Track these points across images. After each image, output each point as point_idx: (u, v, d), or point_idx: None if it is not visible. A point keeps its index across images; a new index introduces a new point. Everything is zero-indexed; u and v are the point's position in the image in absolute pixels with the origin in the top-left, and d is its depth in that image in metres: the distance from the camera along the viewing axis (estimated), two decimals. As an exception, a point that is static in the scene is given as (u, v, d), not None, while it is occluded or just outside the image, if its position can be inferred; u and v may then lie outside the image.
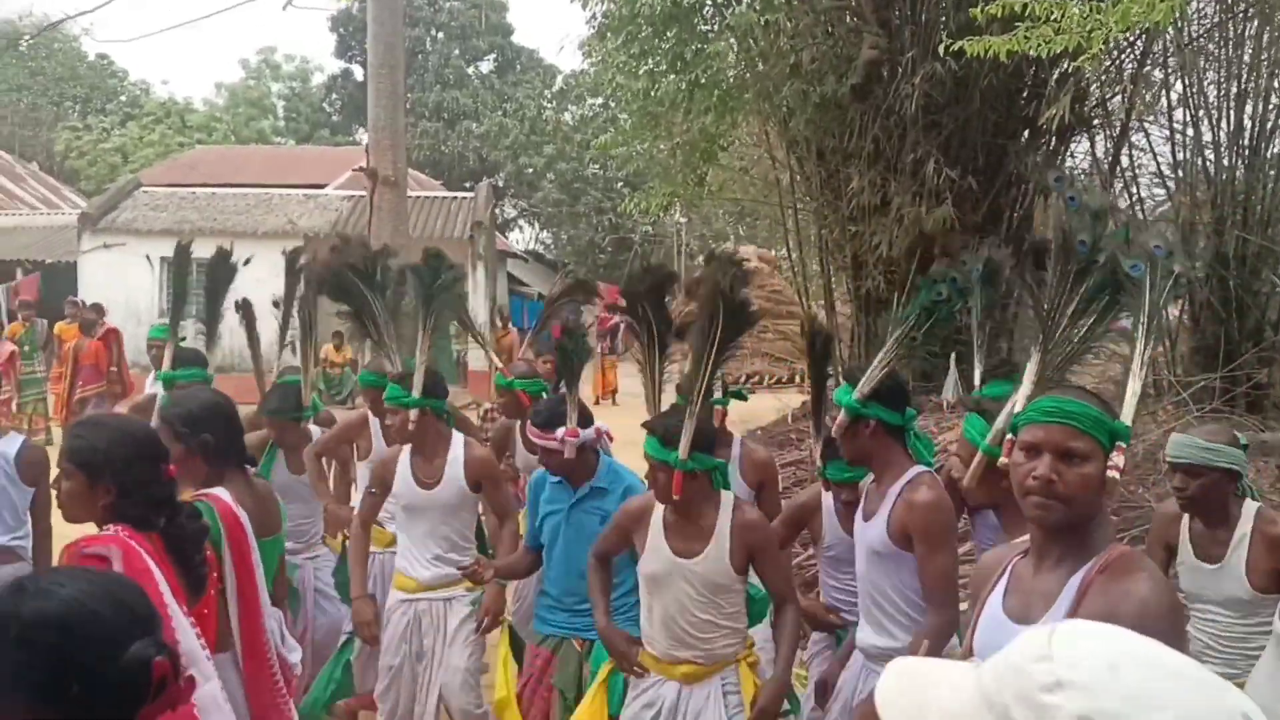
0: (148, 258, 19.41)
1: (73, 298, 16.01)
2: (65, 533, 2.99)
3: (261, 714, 3.09)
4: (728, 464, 4.03)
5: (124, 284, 19.17)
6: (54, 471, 2.91)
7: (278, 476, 4.92)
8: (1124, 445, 2.07)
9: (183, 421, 3.37)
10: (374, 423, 5.28)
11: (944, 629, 3.11)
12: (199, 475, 3.33)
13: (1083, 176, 12.39)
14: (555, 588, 4.19)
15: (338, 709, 4.76)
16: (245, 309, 5.53)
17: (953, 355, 4.52)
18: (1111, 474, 2.06)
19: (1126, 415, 2.17)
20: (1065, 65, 9.03)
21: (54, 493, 2.86)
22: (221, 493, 3.24)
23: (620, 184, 31.28)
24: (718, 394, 4.34)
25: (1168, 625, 1.85)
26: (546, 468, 4.18)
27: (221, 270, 5.68)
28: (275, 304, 5.56)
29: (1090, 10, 5.22)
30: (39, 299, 17.21)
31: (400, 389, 4.40)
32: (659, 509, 3.56)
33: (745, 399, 4.91)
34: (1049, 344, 2.74)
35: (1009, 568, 2.16)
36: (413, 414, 4.37)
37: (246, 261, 5.70)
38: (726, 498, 3.59)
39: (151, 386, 6.96)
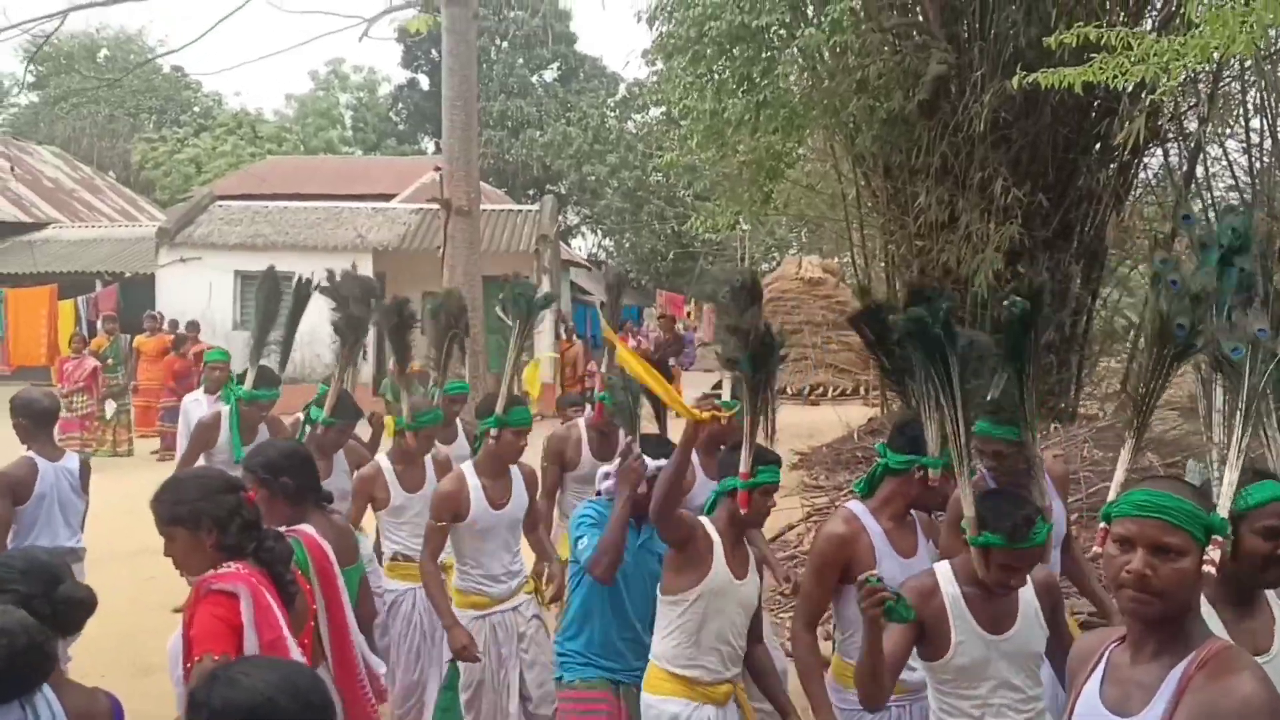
0: (233, 273, 19.88)
1: (151, 311, 16.44)
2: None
3: (353, 717, 3.40)
4: None
5: (200, 297, 19.62)
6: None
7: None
8: (1220, 539, 2.06)
9: (264, 468, 3.70)
10: (389, 471, 5.37)
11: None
12: (283, 515, 3.62)
13: (1157, 189, 12.23)
14: (619, 630, 4.03)
15: None
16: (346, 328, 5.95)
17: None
18: (1208, 568, 2.07)
19: (1223, 507, 2.14)
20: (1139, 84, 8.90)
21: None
22: (306, 528, 3.57)
23: (684, 193, 31.31)
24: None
25: None
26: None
27: (302, 294, 6.15)
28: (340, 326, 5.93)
29: (1168, 42, 5.16)
30: (118, 311, 17.70)
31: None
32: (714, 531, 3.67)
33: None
34: (1142, 429, 2.67)
35: (1105, 655, 2.17)
36: (493, 433, 4.66)
37: (316, 285, 5.98)
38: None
39: (213, 405, 7.28)
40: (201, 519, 2.96)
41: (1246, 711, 1.87)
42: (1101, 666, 2.17)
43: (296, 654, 2.91)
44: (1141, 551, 2.02)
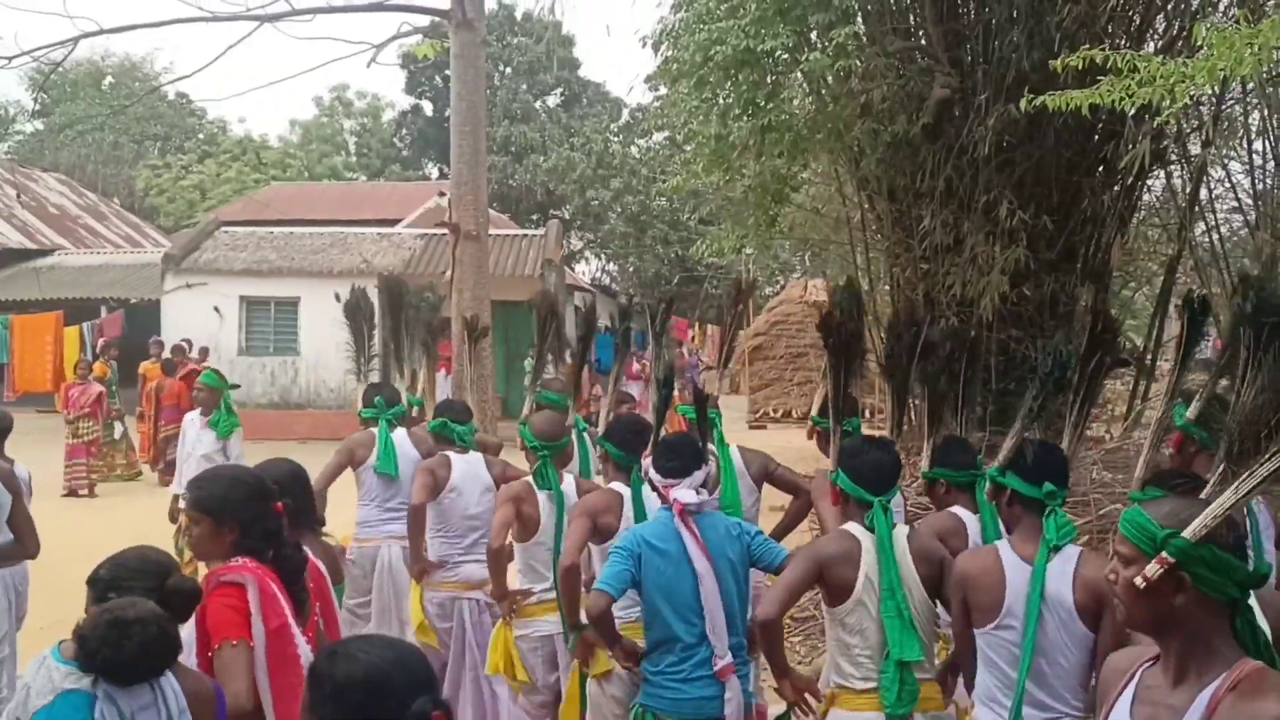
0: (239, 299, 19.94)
1: (157, 337, 16.49)
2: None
3: None
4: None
5: (206, 322, 19.66)
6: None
7: None
8: (1166, 556, 2.04)
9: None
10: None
11: None
12: None
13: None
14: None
15: None
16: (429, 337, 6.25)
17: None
18: (1137, 580, 2.07)
19: (1201, 521, 2.09)
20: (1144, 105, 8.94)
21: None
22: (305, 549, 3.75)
23: (688, 218, 31.37)
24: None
25: None
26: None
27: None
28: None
29: (1175, 65, 5.18)
30: (122, 337, 17.75)
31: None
32: (869, 544, 3.58)
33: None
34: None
35: (1137, 675, 2.17)
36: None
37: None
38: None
39: (204, 428, 7.82)
40: (225, 515, 3.18)
41: None
42: (1133, 686, 2.16)
43: (301, 641, 3.13)
44: (1115, 559, 2.14)
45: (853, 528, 3.63)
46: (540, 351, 6.03)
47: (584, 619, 4.18)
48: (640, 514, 4.38)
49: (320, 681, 1.94)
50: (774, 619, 3.55)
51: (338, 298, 6.74)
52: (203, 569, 3.36)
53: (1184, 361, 4.22)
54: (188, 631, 3.05)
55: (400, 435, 6.19)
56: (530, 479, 4.98)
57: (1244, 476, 2.07)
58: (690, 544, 3.84)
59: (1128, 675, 2.19)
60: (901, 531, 3.67)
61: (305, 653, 3.15)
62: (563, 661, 4.87)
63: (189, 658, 3.03)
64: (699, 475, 3.97)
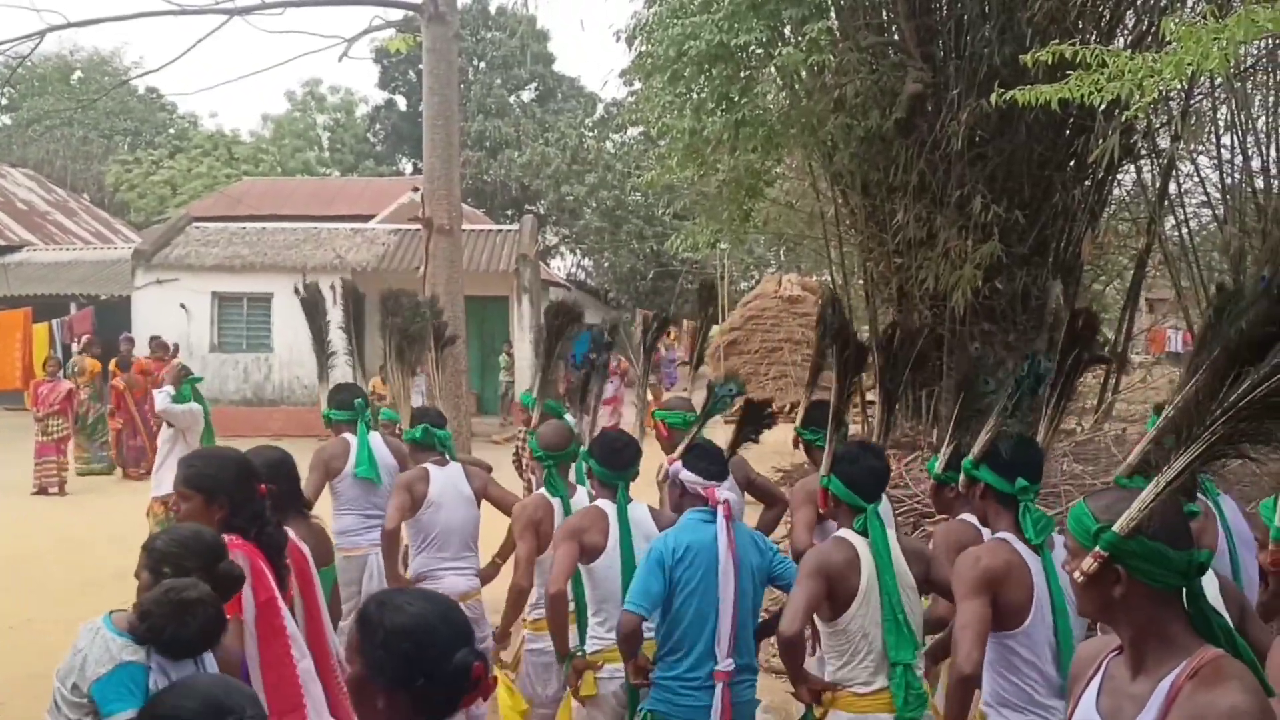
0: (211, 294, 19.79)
1: (127, 334, 16.32)
2: None
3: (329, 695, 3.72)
4: None
5: (177, 319, 19.50)
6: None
7: None
8: (1100, 550, 2.07)
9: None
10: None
11: (956, 683, 3.21)
12: None
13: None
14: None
15: None
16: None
17: None
18: (1076, 575, 2.12)
19: (1129, 514, 2.11)
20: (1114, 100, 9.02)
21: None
22: (288, 530, 3.82)
23: (662, 212, 31.37)
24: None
25: None
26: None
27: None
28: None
29: (1143, 59, 5.23)
30: (93, 333, 17.57)
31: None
32: (864, 549, 3.61)
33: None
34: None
35: (1104, 665, 2.19)
36: None
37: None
38: None
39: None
40: (217, 493, 3.35)
41: None
42: (1099, 678, 2.18)
43: (286, 614, 3.32)
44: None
45: (847, 534, 3.63)
46: (548, 357, 5.89)
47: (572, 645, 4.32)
48: (625, 531, 4.34)
49: (371, 629, 2.06)
50: (798, 634, 3.53)
51: (297, 291, 6.60)
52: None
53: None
54: None
55: (376, 439, 6.13)
56: (544, 493, 4.91)
57: (1164, 469, 2.09)
58: (723, 546, 3.85)
59: (1095, 665, 2.21)
60: (892, 535, 3.71)
61: (290, 624, 3.33)
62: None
63: None
64: (729, 480, 4.02)
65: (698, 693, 3.82)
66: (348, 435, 5.98)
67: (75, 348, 16.75)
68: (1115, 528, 2.06)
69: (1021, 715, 3.25)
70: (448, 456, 5.51)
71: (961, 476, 3.58)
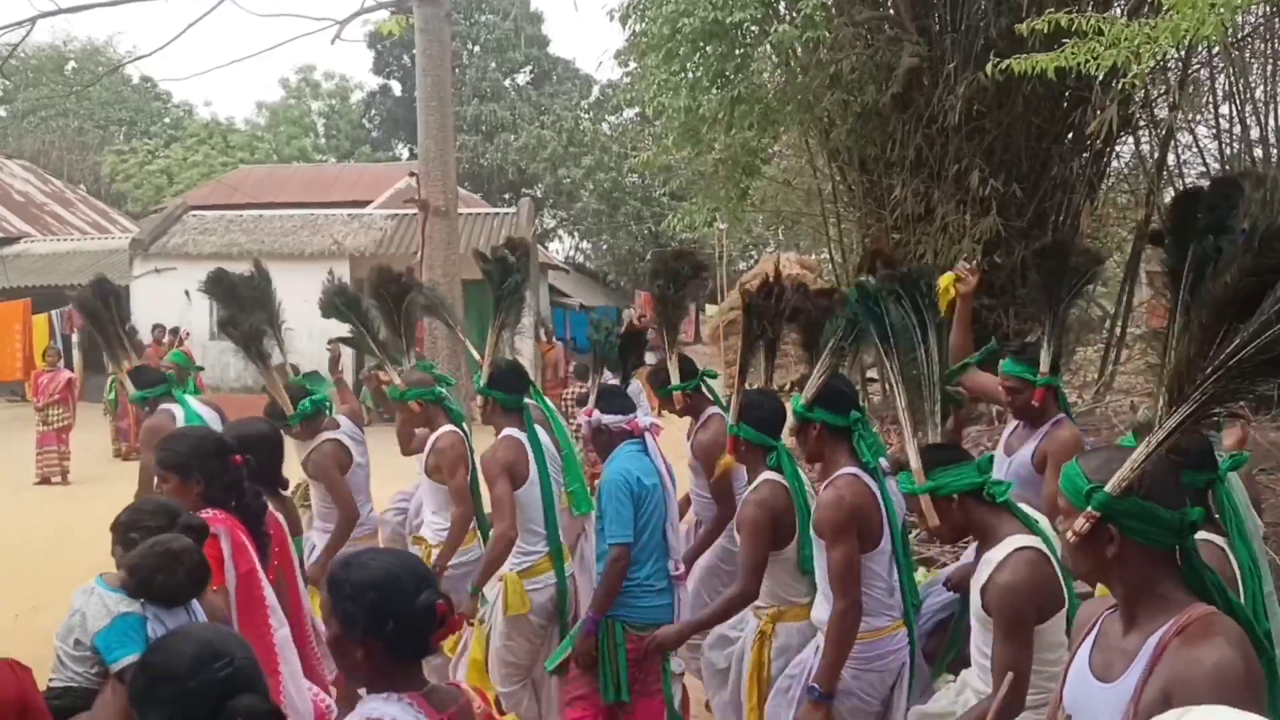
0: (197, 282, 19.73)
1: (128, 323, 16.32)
2: None
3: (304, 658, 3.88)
4: None
5: (176, 307, 19.46)
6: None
7: None
8: (1091, 510, 2.07)
9: (237, 443, 4.00)
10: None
11: (841, 614, 3.52)
12: None
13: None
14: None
15: None
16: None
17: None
18: (1069, 535, 2.12)
19: (1121, 474, 2.10)
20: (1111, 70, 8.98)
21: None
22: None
23: (660, 193, 31.29)
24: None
25: (1250, 693, 1.86)
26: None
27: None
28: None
29: (1138, 26, 5.19)
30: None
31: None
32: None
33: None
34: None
35: (1099, 623, 2.21)
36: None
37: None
38: None
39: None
40: (192, 471, 3.54)
41: (1219, 679, 1.87)
42: (1094, 633, 2.20)
43: (266, 584, 3.52)
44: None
45: (769, 475, 3.97)
46: (499, 311, 5.43)
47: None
48: (539, 453, 4.81)
49: (339, 586, 2.25)
50: (754, 590, 3.94)
51: (326, 294, 6.31)
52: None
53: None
54: None
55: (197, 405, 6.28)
56: (512, 433, 4.92)
57: (1156, 429, 2.08)
58: (659, 462, 4.33)
59: (1092, 622, 2.23)
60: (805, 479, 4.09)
61: (269, 594, 3.53)
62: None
63: None
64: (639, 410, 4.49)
65: (657, 595, 4.23)
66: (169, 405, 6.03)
67: (74, 338, 16.72)
68: (1107, 488, 2.06)
69: (876, 619, 3.66)
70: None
71: (791, 420, 3.95)
